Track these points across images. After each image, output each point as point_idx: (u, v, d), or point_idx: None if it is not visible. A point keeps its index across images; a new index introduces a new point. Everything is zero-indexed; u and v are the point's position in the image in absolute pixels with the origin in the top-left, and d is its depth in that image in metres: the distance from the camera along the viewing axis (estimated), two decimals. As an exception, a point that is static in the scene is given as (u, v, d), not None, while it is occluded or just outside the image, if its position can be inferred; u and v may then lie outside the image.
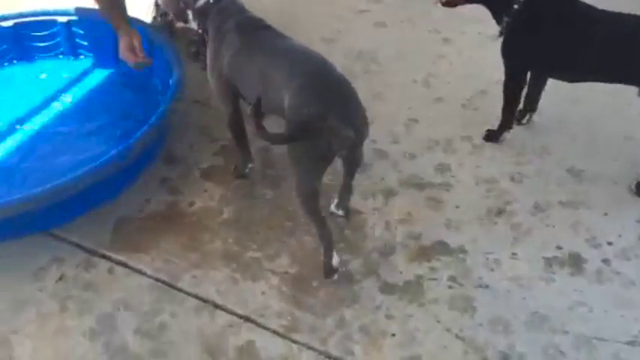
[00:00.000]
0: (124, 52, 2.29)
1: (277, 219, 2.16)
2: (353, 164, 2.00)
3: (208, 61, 2.10)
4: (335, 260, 1.94)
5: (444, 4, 2.20)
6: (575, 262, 2.00)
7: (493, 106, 2.52)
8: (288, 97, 1.76)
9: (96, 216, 2.12)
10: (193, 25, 2.13)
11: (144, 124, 2.11)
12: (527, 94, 2.40)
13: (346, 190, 2.11)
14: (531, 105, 2.46)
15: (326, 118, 1.68)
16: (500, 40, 2.18)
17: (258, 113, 1.69)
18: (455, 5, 2.21)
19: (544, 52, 2.08)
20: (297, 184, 1.85)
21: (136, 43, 2.32)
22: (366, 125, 1.80)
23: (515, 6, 2.05)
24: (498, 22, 2.15)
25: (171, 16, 2.22)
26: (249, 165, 2.30)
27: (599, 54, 2.00)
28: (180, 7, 2.10)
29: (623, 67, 2.01)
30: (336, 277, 1.95)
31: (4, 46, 2.73)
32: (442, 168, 2.35)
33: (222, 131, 2.43)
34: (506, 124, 2.39)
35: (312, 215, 1.88)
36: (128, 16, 2.41)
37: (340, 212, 2.15)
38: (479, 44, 2.86)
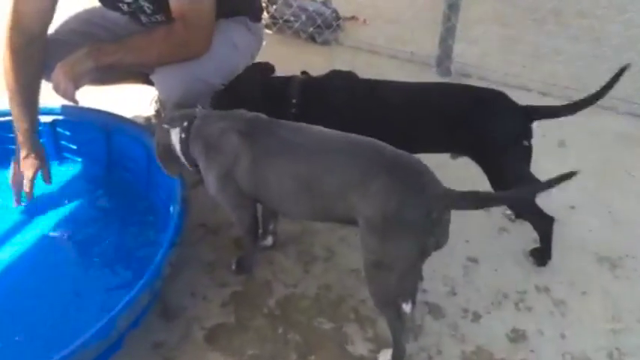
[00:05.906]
0: (12, 176, 2.05)
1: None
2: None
3: (212, 181, 1.75)
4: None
5: None
6: None
7: (568, 235, 2.03)
8: (371, 201, 1.50)
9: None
10: (182, 158, 1.81)
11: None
12: None
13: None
14: None
15: (437, 213, 1.47)
16: None
17: None
18: None
19: None
20: (390, 288, 1.59)
21: (29, 173, 2.03)
22: None
23: (294, 100, 2.01)
24: None
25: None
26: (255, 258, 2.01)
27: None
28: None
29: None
30: None
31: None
32: (516, 336, 1.81)
33: (232, 273, 1.95)
34: None
35: (391, 311, 1.64)
36: (36, 136, 2.05)
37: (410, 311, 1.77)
38: (546, 151, 2.33)
